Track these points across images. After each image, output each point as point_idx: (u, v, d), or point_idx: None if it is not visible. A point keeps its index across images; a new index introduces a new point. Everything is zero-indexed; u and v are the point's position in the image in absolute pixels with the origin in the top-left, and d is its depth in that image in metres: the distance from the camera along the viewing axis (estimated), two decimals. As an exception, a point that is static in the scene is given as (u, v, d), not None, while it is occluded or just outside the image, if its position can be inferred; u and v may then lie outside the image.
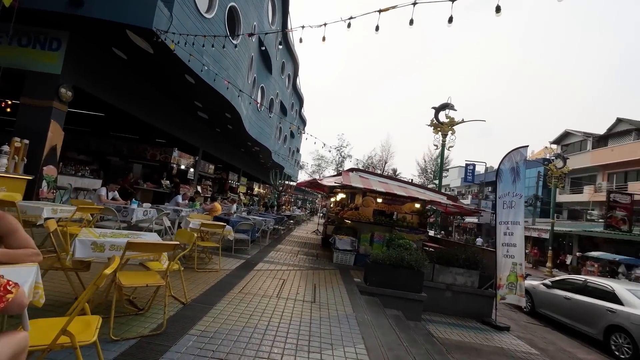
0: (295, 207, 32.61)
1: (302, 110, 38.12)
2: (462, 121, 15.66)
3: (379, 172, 28.33)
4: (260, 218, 9.34)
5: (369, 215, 8.81)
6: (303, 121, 40.14)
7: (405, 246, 6.15)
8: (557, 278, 8.24)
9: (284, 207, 23.18)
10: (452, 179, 45.26)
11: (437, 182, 24.25)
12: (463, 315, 6.76)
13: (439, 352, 4.20)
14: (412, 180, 11.33)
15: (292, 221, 17.47)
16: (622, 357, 5.87)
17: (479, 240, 28.43)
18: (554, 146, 29.32)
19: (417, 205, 8.61)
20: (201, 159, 15.31)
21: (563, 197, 26.01)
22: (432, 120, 16.17)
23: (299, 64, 24.79)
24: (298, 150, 42.09)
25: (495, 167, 40.62)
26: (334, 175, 10.50)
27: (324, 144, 16.89)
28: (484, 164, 35.61)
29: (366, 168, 33.21)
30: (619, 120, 26.94)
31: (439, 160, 17.99)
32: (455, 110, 15.65)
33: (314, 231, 17.04)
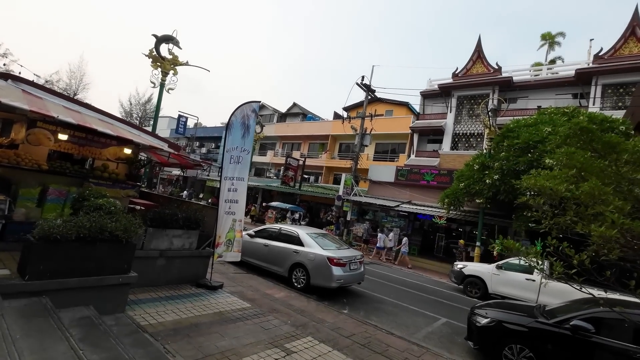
0: None
1: None
2: (187, 63, 14.12)
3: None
4: None
5: (40, 158, 5.51)
6: None
7: (108, 208, 4.19)
8: (259, 228, 9.27)
9: None
10: (162, 129, 41.98)
11: (148, 128, 21.16)
12: (178, 282, 5.86)
13: (156, 358, 3.04)
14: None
15: None
16: (299, 286, 7.45)
17: (185, 193, 28.54)
18: (253, 114, 34.46)
19: (128, 151, 6.42)
20: None
21: (254, 158, 31.31)
22: (151, 51, 13.34)
23: None
24: None
25: (205, 124, 41.98)
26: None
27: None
28: (196, 118, 35.72)
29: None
30: (294, 104, 36.12)
31: (155, 103, 15.40)
32: (181, 48, 13.77)
33: None
